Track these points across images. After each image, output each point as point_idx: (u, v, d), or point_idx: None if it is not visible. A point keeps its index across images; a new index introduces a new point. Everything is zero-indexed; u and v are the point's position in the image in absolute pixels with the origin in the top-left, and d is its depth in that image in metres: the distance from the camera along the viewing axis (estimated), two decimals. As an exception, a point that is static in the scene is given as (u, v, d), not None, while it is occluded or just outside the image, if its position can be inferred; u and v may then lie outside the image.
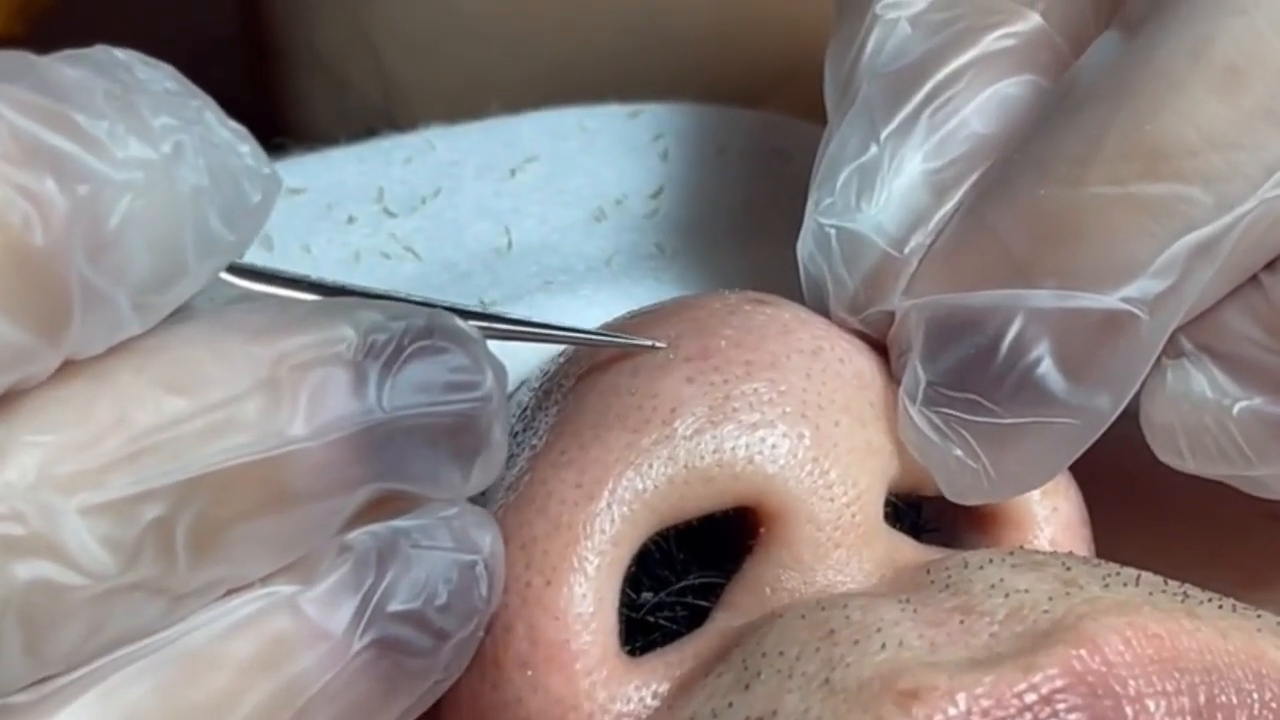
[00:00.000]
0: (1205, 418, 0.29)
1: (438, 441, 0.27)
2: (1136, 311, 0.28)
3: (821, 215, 0.31)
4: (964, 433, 0.29)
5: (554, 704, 0.28)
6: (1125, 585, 0.27)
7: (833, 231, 0.30)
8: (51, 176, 0.24)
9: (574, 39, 0.54)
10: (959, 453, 0.29)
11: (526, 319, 0.30)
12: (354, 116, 0.54)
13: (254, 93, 0.59)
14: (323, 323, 0.26)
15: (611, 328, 0.30)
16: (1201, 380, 0.29)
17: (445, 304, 0.28)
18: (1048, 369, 0.28)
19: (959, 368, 0.29)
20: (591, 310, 0.36)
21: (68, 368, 0.25)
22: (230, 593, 0.26)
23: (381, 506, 0.27)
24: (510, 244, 0.40)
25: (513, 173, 0.41)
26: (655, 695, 0.28)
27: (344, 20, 0.55)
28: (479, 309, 0.29)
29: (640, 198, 0.40)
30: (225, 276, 0.27)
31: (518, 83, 0.51)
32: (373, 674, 0.26)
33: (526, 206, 0.40)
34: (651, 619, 0.29)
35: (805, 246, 0.31)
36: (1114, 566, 0.28)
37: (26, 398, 0.25)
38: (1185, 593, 0.27)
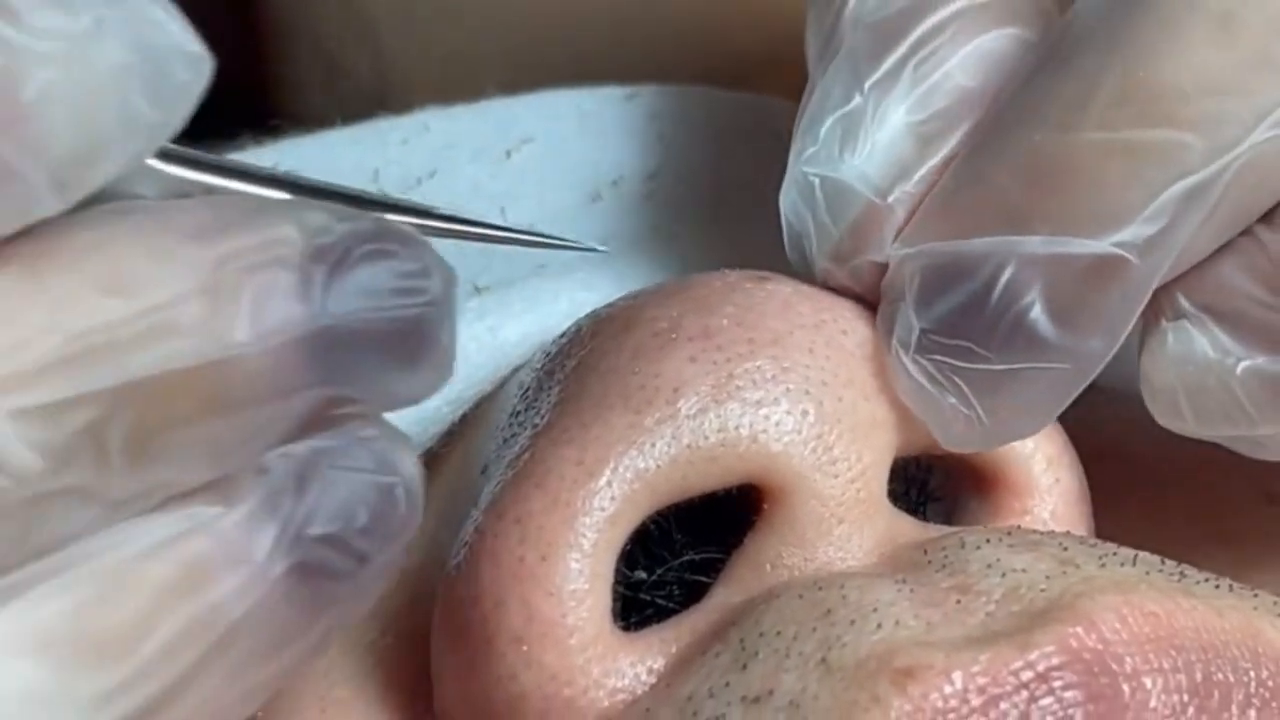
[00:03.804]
0: (1208, 378, 0.29)
1: (385, 347, 0.26)
2: (1127, 255, 0.28)
3: (805, 165, 0.31)
4: (957, 380, 0.29)
5: (548, 680, 0.28)
6: (1122, 565, 0.27)
7: (816, 180, 0.30)
8: None
9: (566, 20, 0.54)
10: (953, 400, 0.29)
11: (461, 215, 0.29)
12: (348, 101, 0.54)
13: (247, 77, 0.59)
14: (266, 223, 0.26)
15: (612, 307, 0.30)
16: (1203, 341, 0.29)
17: (376, 195, 0.28)
18: (1039, 314, 0.28)
19: (952, 315, 0.29)
20: (587, 293, 0.36)
21: None
22: (158, 506, 0.25)
23: (310, 424, 0.26)
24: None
25: (508, 155, 0.41)
26: (651, 671, 0.28)
27: (338, 3, 0.55)
28: (416, 204, 0.29)
29: (637, 180, 0.40)
30: (155, 163, 0.27)
31: (513, 64, 0.51)
32: (295, 599, 0.26)
33: (522, 188, 0.40)
34: (646, 597, 0.29)
35: (788, 197, 0.31)
36: (1111, 546, 0.28)
37: None
38: (1182, 572, 0.28)
